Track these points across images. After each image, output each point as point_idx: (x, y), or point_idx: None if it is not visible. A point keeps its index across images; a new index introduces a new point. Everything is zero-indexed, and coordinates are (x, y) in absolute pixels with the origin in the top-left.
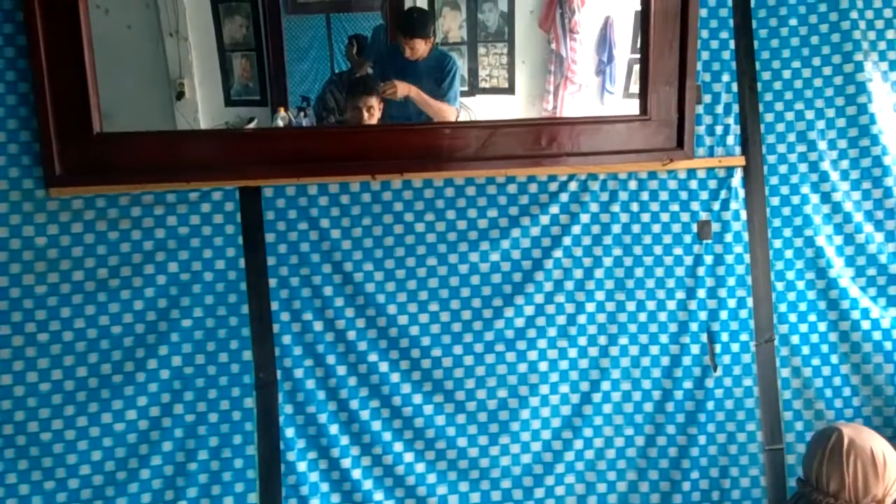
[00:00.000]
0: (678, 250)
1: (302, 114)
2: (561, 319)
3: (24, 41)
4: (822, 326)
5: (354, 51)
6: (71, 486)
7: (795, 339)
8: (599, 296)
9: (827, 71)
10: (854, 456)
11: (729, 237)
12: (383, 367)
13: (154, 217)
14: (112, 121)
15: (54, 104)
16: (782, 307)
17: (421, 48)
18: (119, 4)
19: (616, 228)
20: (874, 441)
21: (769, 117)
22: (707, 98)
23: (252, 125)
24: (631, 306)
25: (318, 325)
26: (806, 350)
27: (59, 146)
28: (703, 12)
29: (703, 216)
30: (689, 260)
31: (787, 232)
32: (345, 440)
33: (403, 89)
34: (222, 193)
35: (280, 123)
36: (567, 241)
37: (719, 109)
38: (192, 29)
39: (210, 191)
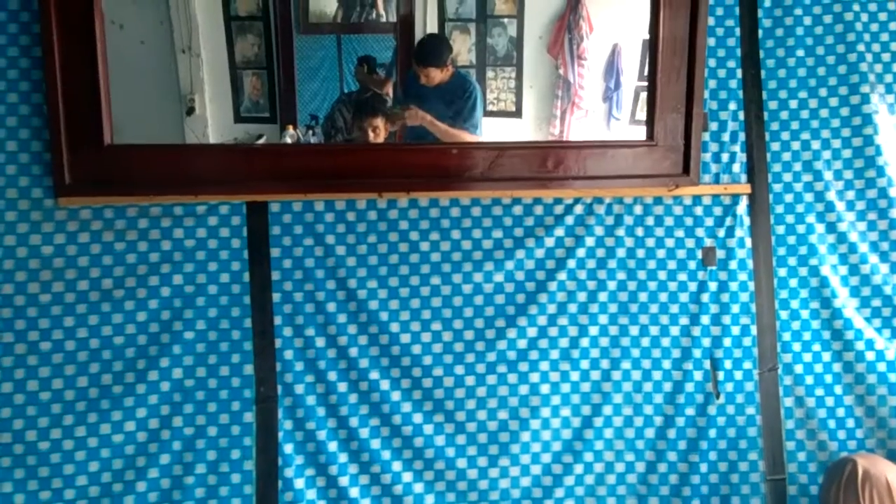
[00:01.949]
0: (682, 276)
1: (310, 132)
2: (564, 342)
3: (39, 53)
4: (827, 356)
5: (366, 70)
6: (67, 496)
7: (799, 369)
8: (603, 319)
9: (833, 102)
10: (869, 486)
11: (734, 264)
12: (384, 385)
13: (161, 229)
14: (123, 134)
15: (66, 115)
16: (786, 336)
17: (436, 76)
18: (134, 20)
19: (620, 252)
20: (890, 471)
21: (775, 146)
22: (714, 126)
23: (261, 142)
24: (634, 331)
25: (320, 342)
26: (810, 380)
27: (69, 156)
28: (711, 41)
29: (708, 243)
30: (693, 286)
31: (792, 261)
32: (343, 458)
33: (415, 118)
34: (229, 207)
35: (288, 141)
36: (571, 263)
37: (726, 137)
38: (205, 46)
39: (217, 204)
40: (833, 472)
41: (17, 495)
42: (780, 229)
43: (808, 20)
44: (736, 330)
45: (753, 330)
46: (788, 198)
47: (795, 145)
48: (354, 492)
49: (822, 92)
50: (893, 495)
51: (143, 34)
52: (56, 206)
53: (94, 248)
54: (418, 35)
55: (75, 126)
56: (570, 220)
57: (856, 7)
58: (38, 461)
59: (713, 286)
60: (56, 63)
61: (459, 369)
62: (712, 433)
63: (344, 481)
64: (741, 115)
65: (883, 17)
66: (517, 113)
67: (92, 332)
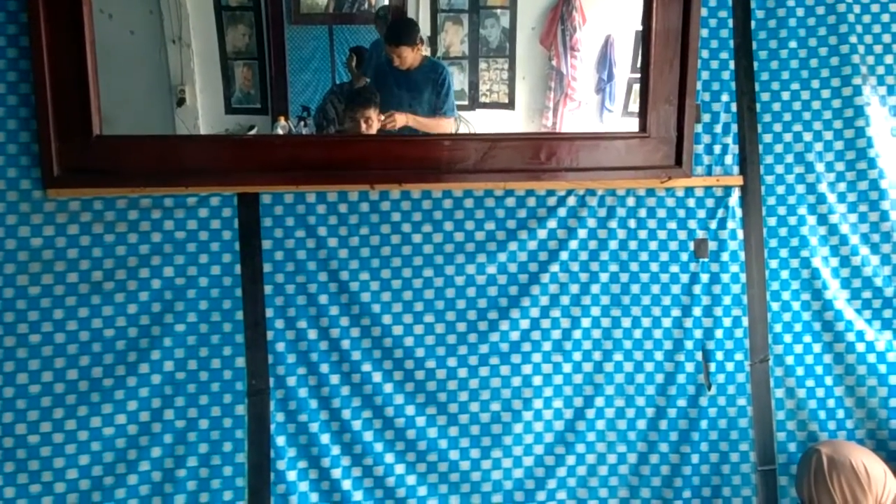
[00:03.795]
0: (675, 268)
1: (302, 123)
2: (556, 334)
3: (27, 42)
4: (817, 348)
5: (354, 63)
6: (57, 490)
7: (790, 360)
8: (595, 311)
9: (825, 94)
10: (836, 474)
11: (725, 256)
12: (377, 377)
13: (151, 221)
14: (112, 125)
15: (55, 105)
16: (777, 327)
17: (409, 56)
18: (123, 10)
19: (613, 244)
20: (853, 455)
21: (767, 138)
22: (706, 117)
23: (252, 133)
24: (626, 323)
25: (312, 334)
26: (800, 371)
27: (58, 147)
28: (704, 32)
29: (700, 234)
30: (685, 278)
31: (784, 252)
32: (336, 450)
33: (402, 120)
34: (220, 199)
35: (280, 132)
36: (564, 255)
37: (718, 129)
38: (195, 36)
39: (208, 196)
40: (802, 467)
41: (6, 489)
42: (772, 221)
43: (800, 11)
44: (727, 321)
45: (745, 321)
46: (780, 189)
47: (787, 137)
48: (347, 484)
49: (815, 83)
50: (859, 476)
51: (132, 24)
52: (45, 197)
53: (84, 240)
54: None
55: (64, 117)
56: (562, 211)
57: None
58: (28, 454)
59: (705, 278)
60: (44, 53)
61: (452, 361)
62: (704, 424)
63: (336, 473)
64: (733, 107)
65: (875, 8)
66: (510, 104)
67: (82, 324)
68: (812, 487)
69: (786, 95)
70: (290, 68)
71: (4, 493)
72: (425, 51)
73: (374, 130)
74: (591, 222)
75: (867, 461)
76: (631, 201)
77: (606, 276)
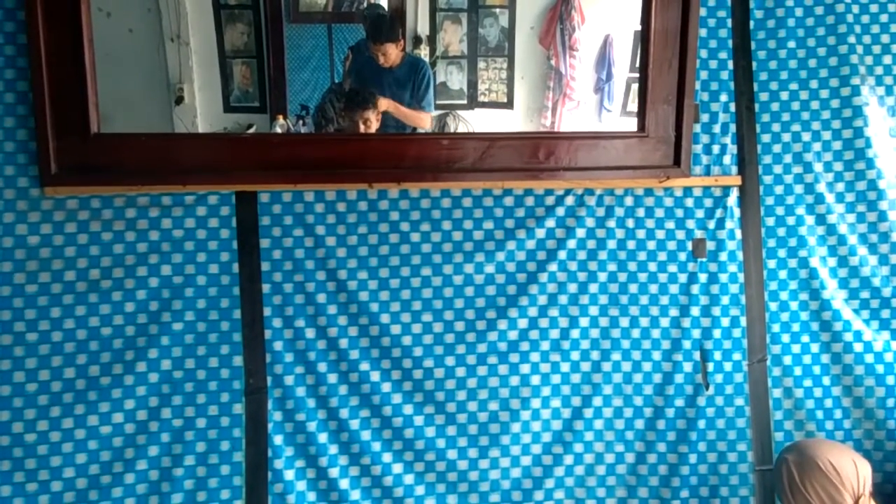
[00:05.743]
0: (673, 267)
1: (300, 122)
2: (554, 333)
3: (25, 40)
4: (815, 348)
5: (349, 63)
6: (54, 488)
7: (788, 360)
8: (593, 311)
9: (824, 94)
10: (807, 479)
11: (724, 256)
12: (374, 376)
13: (149, 219)
14: (110, 123)
15: (52, 103)
16: (775, 327)
17: (392, 53)
18: (121, 8)
19: (611, 244)
20: (819, 455)
21: (766, 138)
22: (705, 117)
23: (250, 131)
24: (624, 322)
25: (310, 333)
26: (798, 371)
27: (55, 145)
28: (703, 32)
29: (699, 234)
30: (683, 277)
31: (782, 252)
32: (333, 449)
33: (385, 104)
34: (218, 197)
35: (278, 131)
36: (562, 254)
37: (717, 129)
38: (194, 34)
39: (206, 194)
40: (776, 479)
41: (3, 487)
42: (770, 221)
43: (799, 11)
44: (725, 321)
45: (743, 321)
46: (778, 189)
47: (786, 137)
48: (344, 483)
49: (813, 83)
50: (830, 476)
51: (130, 22)
52: (42, 195)
53: (81, 238)
54: (409, 25)
55: (61, 115)
56: (560, 211)
57: None
58: (24, 453)
59: (703, 278)
60: (42, 51)
61: (450, 360)
62: (702, 424)
63: (334, 472)
64: (732, 107)
65: (874, 8)
66: (509, 104)
67: (79, 322)
68: (790, 497)
69: (784, 95)
70: (289, 67)
71: (1, 492)
72: (424, 49)
73: (372, 131)
74: (590, 222)
75: (834, 458)
76: (629, 201)
77: (605, 275)
